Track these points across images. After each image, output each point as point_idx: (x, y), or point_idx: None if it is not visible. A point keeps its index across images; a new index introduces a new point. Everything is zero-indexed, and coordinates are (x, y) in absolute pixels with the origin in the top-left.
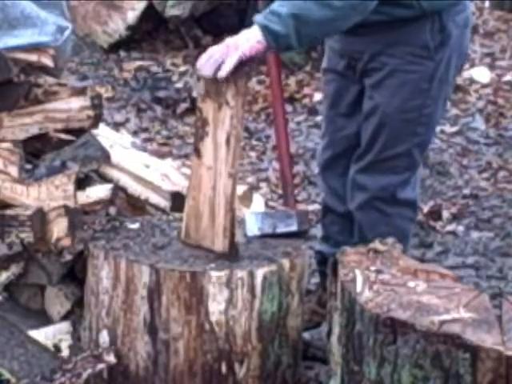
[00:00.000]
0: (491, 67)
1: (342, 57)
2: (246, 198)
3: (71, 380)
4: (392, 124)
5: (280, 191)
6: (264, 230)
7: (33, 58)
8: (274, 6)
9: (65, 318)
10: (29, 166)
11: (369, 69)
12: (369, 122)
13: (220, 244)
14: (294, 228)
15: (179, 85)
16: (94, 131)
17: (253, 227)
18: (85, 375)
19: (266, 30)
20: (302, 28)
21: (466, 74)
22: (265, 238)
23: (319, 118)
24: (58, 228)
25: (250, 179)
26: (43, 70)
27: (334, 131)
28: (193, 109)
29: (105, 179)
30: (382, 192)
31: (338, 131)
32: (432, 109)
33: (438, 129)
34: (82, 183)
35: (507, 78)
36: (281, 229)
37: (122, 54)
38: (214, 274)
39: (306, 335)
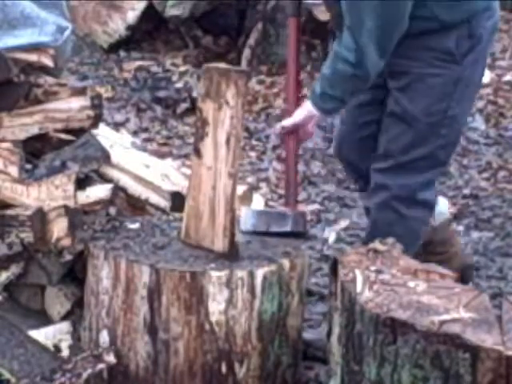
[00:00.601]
0: (491, 67)
1: None
2: (246, 198)
3: (71, 380)
4: (417, 127)
5: (280, 191)
6: (257, 227)
7: (33, 58)
8: (328, 91)
9: (65, 318)
10: (29, 166)
11: (394, 71)
12: (391, 123)
13: (220, 244)
14: (287, 229)
15: (179, 85)
16: (94, 131)
17: (247, 223)
18: (85, 375)
19: (326, 112)
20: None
21: None
22: (258, 235)
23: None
24: (58, 228)
25: (250, 179)
26: (43, 69)
27: (352, 121)
28: (193, 109)
29: (105, 179)
30: (403, 191)
31: (357, 118)
32: (456, 110)
33: None
34: (82, 183)
35: (507, 77)
36: (274, 228)
37: (122, 54)
38: (214, 274)
39: (307, 335)
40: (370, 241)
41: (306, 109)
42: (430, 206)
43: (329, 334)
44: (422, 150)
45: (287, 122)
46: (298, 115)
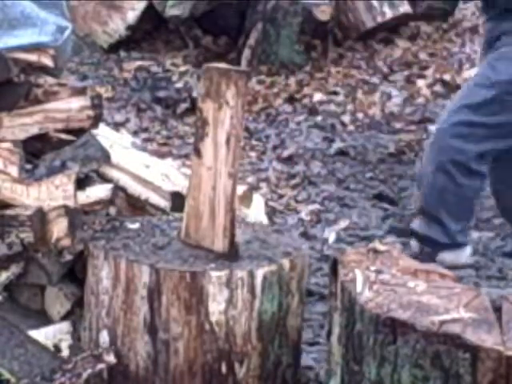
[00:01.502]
0: None
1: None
2: (246, 198)
3: (71, 380)
4: (496, 91)
5: (280, 191)
6: None
7: (33, 58)
8: None
9: (65, 318)
10: (29, 166)
11: (495, 46)
12: (475, 85)
13: (220, 244)
14: None
15: (179, 85)
16: (94, 131)
17: None
18: (85, 375)
19: None
20: None
21: (465, 74)
22: None
23: (319, 118)
24: (58, 228)
25: (250, 179)
26: (43, 70)
27: None
28: (193, 109)
29: (105, 179)
30: (460, 155)
31: None
32: None
33: None
34: (81, 183)
35: None
36: None
37: (122, 54)
38: (214, 273)
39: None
40: (424, 206)
41: None
42: (483, 178)
43: (329, 333)
44: (490, 117)
45: None
46: None
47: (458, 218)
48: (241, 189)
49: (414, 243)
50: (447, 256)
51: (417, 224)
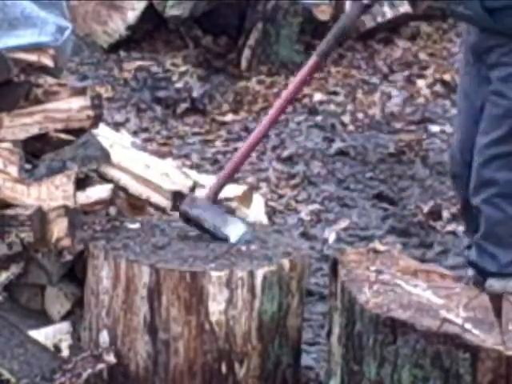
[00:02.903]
0: None
1: (473, 50)
2: (246, 198)
3: (71, 380)
4: None
5: (280, 191)
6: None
7: (33, 58)
8: None
9: (65, 318)
10: (29, 166)
11: (498, 63)
12: (493, 113)
13: None
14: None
15: (179, 85)
16: (94, 131)
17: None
18: (85, 375)
19: None
20: None
21: None
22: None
23: (319, 118)
24: (58, 228)
25: (250, 179)
26: (43, 70)
27: (471, 123)
28: (193, 109)
29: (105, 179)
30: (509, 187)
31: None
32: None
33: (437, 129)
34: (82, 183)
35: None
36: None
37: (122, 54)
38: (214, 274)
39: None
40: (484, 239)
41: None
42: None
43: (329, 333)
44: None
45: None
46: None
47: (507, 247)
48: (241, 189)
49: (470, 271)
50: (496, 283)
51: (473, 253)
